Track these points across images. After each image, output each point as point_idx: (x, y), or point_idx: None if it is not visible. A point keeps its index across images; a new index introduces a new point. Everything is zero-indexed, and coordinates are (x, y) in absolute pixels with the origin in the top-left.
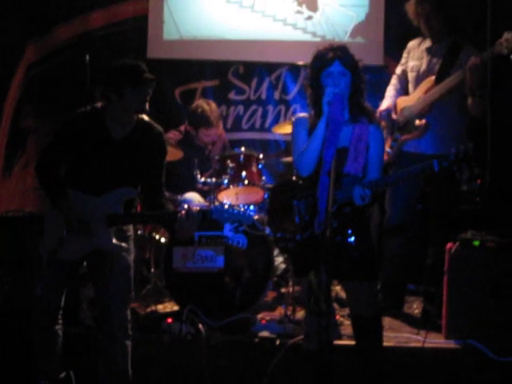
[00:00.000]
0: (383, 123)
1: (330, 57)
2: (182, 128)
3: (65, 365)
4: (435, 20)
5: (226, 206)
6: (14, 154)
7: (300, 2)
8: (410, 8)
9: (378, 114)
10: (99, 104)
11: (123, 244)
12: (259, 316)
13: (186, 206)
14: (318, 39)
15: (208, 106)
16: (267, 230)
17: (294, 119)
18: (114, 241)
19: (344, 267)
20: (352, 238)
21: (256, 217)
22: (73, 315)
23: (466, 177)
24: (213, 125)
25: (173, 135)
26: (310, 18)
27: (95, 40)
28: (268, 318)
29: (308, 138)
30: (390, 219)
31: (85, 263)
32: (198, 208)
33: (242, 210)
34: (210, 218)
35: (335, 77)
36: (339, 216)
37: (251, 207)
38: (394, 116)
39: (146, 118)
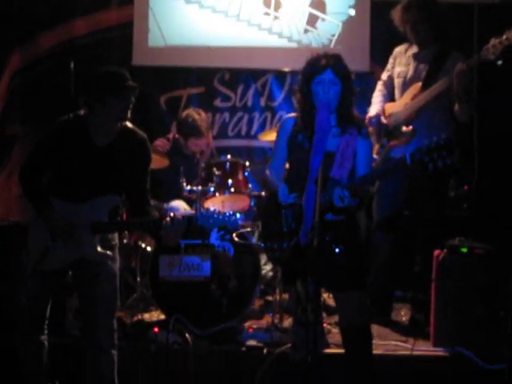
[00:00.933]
0: (371, 129)
1: (323, 64)
2: (170, 136)
3: (51, 375)
4: (422, 27)
5: (212, 212)
6: None
7: None
8: (397, 14)
9: (367, 121)
10: (82, 112)
11: (108, 252)
12: (246, 324)
13: (171, 213)
14: (303, 47)
15: (198, 116)
16: (253, 239)
17: (281, 121)
18: (99, 249)
19: (333, 277)
20: (339, 248)
21: (242, 223)
22: (59, 325)
23: (441, 167)
24: (203, 134)
25: (161, 143)
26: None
27: (79, 48)
28: (255, 326)
29: (287, 144)
30: (378, 214)
31: (70, 272)
32: (182, 214)
33: (228, 216)
34: (196, 224)
35: (326, 84)
36: (323, 223)
37: (237, 215)
38: (383, 121)
39: (129, 125)
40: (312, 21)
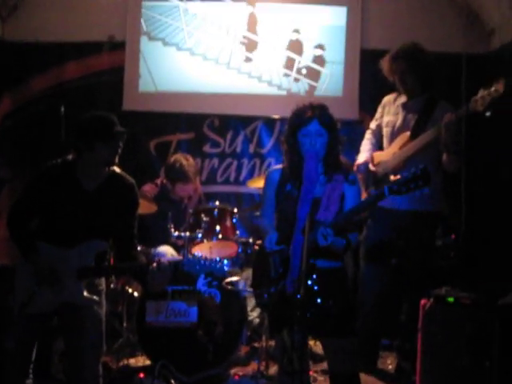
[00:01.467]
0: (360, 176)
1: (308, 116)
2: (159, 181)
3: None
4: (409, 77)
5: (198, 258)
6: None
7: None
8: (385, 65)
9: (355, 168)
10: (70, 156)
11: (95, 297)
12: (232, 371)
13: (157, 259)
14: (292, 94)
15: (186, 161)
16: (241, 285)
17: (266, 173)
18: (85, 294)
19: (321, 324)
20: (327, 301)
21: (229, 269)
22: (44, 369)
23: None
24: (190, 180)
25: (149, 188)
26: (285, 75)
27: (70, 91)
28: (241, 373)
29: (275, 195)
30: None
31: (56, 316)
32: (169, 260)
33: (215, 262)
34: (183, 270)
35: (312, 136)
36: (311, 270)
37: (225, 261)
38: (372, 168)
39: (117, 170)
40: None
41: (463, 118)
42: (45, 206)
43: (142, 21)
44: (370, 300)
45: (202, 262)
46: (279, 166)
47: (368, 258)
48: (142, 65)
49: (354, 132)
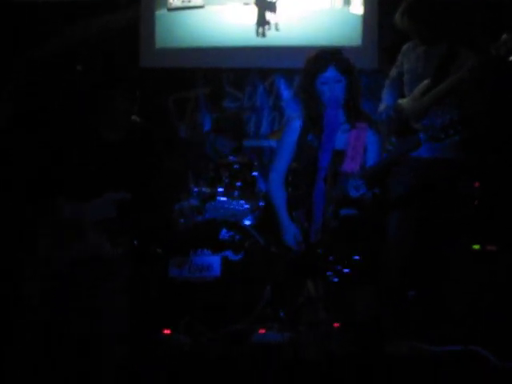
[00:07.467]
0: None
1: (325, 62)
2: None
3: None
4: (420, 31)
5: (221, 202)
6: None
7: None
8: (398, 20)
9: (378, 116)
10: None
11: (119, 251)
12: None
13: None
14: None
15: None
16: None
17: (286, 121)
18: (110, 246)
19: (341, 274)
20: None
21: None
22: None
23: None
24: None
25: None
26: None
27: (86, 50)
28: (266, 328)
29: (296, 144)
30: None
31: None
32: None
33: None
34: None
35: (330, 83)
36: (337, 218)
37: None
38: (393, 116)
39: (138, 120)
40: None
41: (487, 63)
42: (66, 158)
43: None
44: (394, 250)
45: (226, 204)
46: (299, 114)
47: (392, 208)
48: (158, 20)
49: (374, 81)
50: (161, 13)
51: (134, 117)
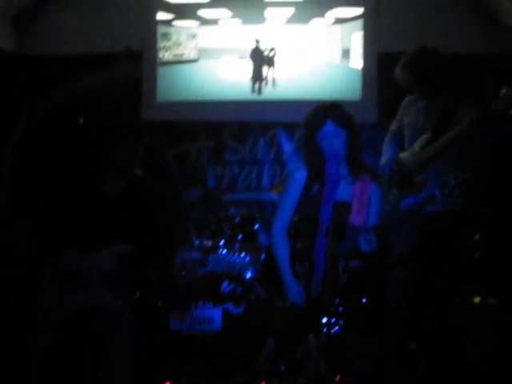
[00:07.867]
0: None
1: (322, 117)
2: None
3: None
4: (421, 85)
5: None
6: None
7: None
8: (398, 74)
9: (380, 169)
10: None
11: (121, 303)
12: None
13: None
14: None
15: None
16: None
17: (289, 171)
18: (111, 299)
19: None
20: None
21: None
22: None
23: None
24: None
25: None
26: None
27: (89, 102)
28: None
29: (300, 195)
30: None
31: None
32: None
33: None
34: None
35: (329, 137)
36: (336, 275)
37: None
38: (395, 169)
39: (139, 173)
40: None
41: (487, 117)
42: (67, 211)
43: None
44: (396, 302)
45: (227, 257)
46: (303, 166)
47: (395, 265)
48: (160, 74)
49: (374, 135)
50: (162, 67)
51: (135, 170)
